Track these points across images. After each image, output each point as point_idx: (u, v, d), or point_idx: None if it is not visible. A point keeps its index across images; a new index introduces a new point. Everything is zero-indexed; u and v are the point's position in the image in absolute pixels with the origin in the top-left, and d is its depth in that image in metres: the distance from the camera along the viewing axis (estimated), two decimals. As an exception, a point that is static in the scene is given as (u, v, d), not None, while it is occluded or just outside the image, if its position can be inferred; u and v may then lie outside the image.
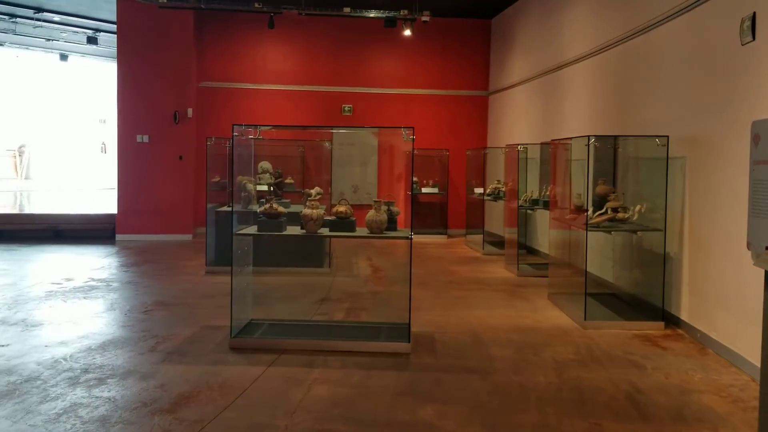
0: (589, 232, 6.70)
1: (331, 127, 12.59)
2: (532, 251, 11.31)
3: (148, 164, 12.29)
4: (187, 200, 12.41)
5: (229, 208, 9.28)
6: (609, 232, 6.95)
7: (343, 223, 5.71)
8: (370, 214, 5.62)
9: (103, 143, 28.01)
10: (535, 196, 9.93)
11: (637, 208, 6.73)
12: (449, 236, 13.73)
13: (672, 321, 6.56)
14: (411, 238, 5.54)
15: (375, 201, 5.63)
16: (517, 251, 9.72)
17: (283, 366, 5.12)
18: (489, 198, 11.83)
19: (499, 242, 12.22)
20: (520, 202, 9.67)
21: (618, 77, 8.13)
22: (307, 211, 5.55)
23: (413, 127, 5.51)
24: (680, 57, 6.60)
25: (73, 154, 28.21)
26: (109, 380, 4.73)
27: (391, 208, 5.84)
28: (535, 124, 11.40)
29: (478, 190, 12.49)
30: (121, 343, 5.65)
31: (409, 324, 5.65)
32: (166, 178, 12.34)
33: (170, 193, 12.34)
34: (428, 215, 14.00)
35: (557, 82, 10.36)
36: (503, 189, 11.69)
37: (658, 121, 7.00)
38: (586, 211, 7.28)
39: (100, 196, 18.90)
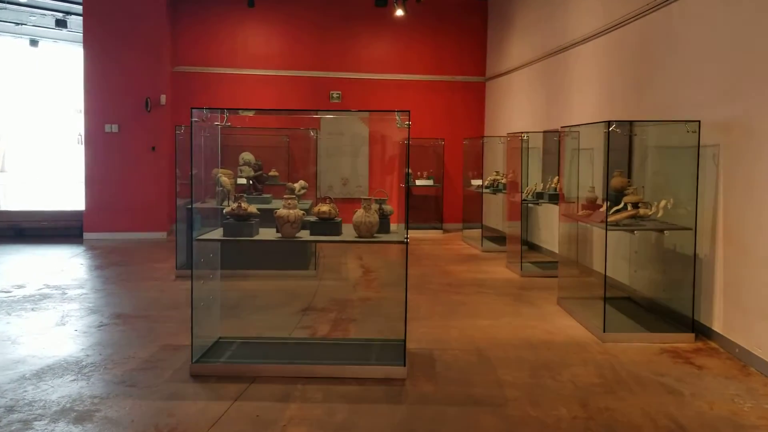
0: (608, 231, 5.84)
1: (315, 111, 11.64)
2: (534, 247, 10.48)
3: (117, 156, 11.32)
4: (160, 195, 11.47)
5: (201, 205, 8.40)
6: (632, 231, 6.09)
7: (326, 225, 4.83)
8: (358, 214, 4.75)
9: (80, 134, 26.92)
10: (539, 188, 9.07)
11: (662, 203, 5.88)
12: (445, 231, 12.86)
13: (702, 332, 5.74)
14: (407, 242, 4.68)
15: (364, 199, 4.76)
16: (521, 249, 8.86)
17: (253, 400, 4.25)
18: (488, 191, 10.97)
19: (497, 238, 11.39)
20: (524, 195, 8.80)
21: (633, 58, 7.26)
22: (282, 211, 4.67)
23: (409, 111, 4.63)
24: (711, 30, 5.74)
25: (51, 145, 27.14)
26: (35, 423, 3.84)
27: (383, 206, 4.97)
28: (537, 111, 10.53)
29: (476, 182, 11.64)
30: (63, 370, 4.76)
31: (405, 343, 4.78)
32: (137, 171, 11.38)
33: (142, 187, 11.39)
34: (422, 209, 13.11)
35: (561, 65, 9.49)
36: (502, 181, 10.85)
37: (682, 104, 6.15)
38: (603, 206, 6.45)
39: (75, 191, 17.90)
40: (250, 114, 7.16)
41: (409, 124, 4.67)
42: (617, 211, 6.03)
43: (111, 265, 9.02)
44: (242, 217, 4.78)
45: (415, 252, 10.11)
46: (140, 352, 5.18)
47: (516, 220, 9.38)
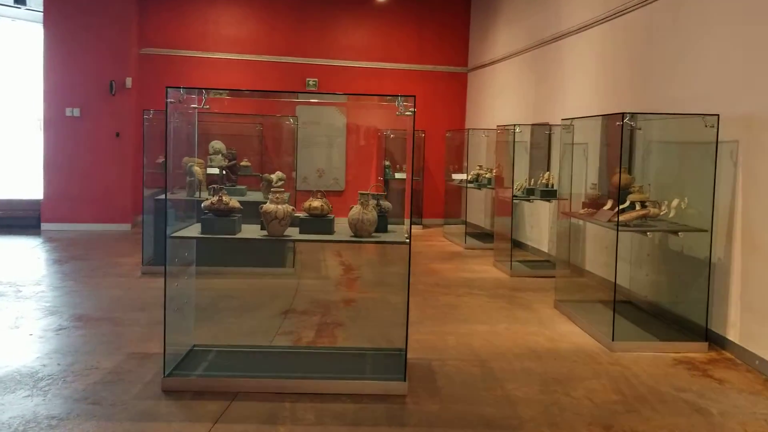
0: (616, 232, 5.41)
1: (297, 93, 10.96)
2: (519, 245, 10.07)
3: (79, 142, 10.59)
4: (125, 184, 10.77)
5: (174, 195, 7.78)
6: (645, 233, 5.68)
7: (318, 223, 4.30)
8: (355, 211, 4.23)
9: (39, 118, 25.79)
10: (529, 184, 8.63)
11: (674, 203, 5.48)
12: (424, 226, 12.39)
13: (715, 341, 5.36)
14: (409, 243, 4.19)
15: (362, 194, 4.24)
16: (511, 248, 8.43)
17: (235, 422, 3.71)
18: (471, 185, 10.53)
19: (480, 234, 10.98)
20: (515, 191, 8.37)
21: (637, 48, 6.84)
22: (270, 206, 4.12)
23: (414, 97, 4.13)
24: (726, 16, 5.34)
25: (7, 130, 25.98)
26: (-21, 454, 3.27)
27: (381, 202, 4.46)
28: (524, 103, 10.10)
29: (458, 176, 11.19)
30: (15, 384, 4.16)
31: (405, 355, 4.28)
32: (100, 158, 10.66)
33: (106, 175, 10.67)
34: (402, 203, 12.59)
35: (553, 56, 9.06)
36: (486, 175, 10.42)
37: (693, 97, 5.75)
38: (608, 204, 6.03)
39: (32, 179, 16.99)
40: (232, 96, 6.57)
41: (413, 111, 4.18)
42: (623, 210, 5.61)
43: (71, 259, 8.34)
44: (223, 212, 4.23)
45: (396, 248, 9.60)
46: (104, 362, 4.60)
47: (504, 216, 8.95)
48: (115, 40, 10.75)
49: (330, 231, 4.34)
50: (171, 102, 4.03)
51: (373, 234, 4.29)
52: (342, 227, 4.38)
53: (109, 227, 10.63)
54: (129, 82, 10.75)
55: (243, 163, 9.56)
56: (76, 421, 3.64)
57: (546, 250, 9.06)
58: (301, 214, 4.34)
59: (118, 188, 10.72)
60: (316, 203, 4.31)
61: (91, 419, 3.68)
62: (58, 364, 4.53)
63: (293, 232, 4.30)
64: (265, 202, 4.20)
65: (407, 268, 4.22)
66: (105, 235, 10.17)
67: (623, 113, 5.24)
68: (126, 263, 8.07)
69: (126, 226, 10.75)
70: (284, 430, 3.62)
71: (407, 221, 4.67)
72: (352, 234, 4.28)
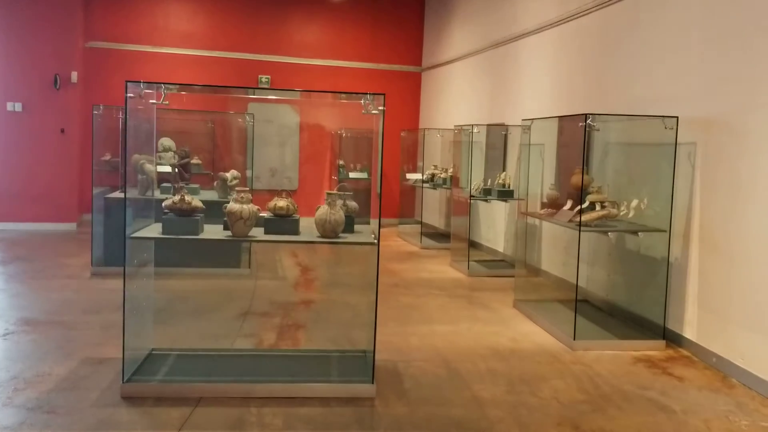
0: (578, 232, 5.46)
1: (266, 90, 10.68)
2: (474, 245, 10.10)
3: (21, 138, 10.16)
4: (70, 182, 10.40)
5: (121, 195, 7.53)
6: (606, 233, 5.75)
7: (283, 223, 4.20)
8: (322, 211, 4.14)
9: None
10: (485, 184, 8.66)
11: (633, 203, 5.56)
12: (387, 226, 12.31)
13: (672, 339, 5.46)
14: (378, 243, 4.13)
15: (329, 194, 4.16)
16: (468, 248, 8.45)
17: (200, 429, 3.58)
18: (427, 185, 10.53)
19: (435, 234, 11.01)
20: (472, 191, 8.39)
21: (593, 50, 6.93)
22: (234, 206, 4.00)
23: (384, 95, 4.07)
24: (684, 20, 5.45)
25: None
26: (-73, 469, 3.07)
27: (348, 202, 4.39)
28: (479, 103, 10.15)
29: (412, 176, 11.17)
30: (-39, 393, 3.94)
31: (374, 358, 4.21)
32: (44, 155, 10.25)
33: (49, 173, 10.27)
34: (359, 203, 12.51)
35: (509, 57, 9.12)
36: (441, 175, 10.44)
37: (652, 99, 5.85)
38: (567, 204, 6.09)
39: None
40: (198, 93, 6.38)
41: (382, 110, 4.13)
42: (584, 210, 5.67)
43: (15, 259, 7.99)
44: (185, 212, 4.09)
45: (351, 249, 9.52)
46: (57, 368, 4.39)
47: (461, 215, 8.98)
48: (59, 33, 10.36)
49: (296, 231, 4.24)
50: (131, 97, 3.86)
51: (340, 235, 4.21)
52: (305, 227, 4.29)
53: (53, 226, 10.24)
54: (75, 76, 10.38)
55: (194, 161, 9.34)
56: (31, 432, 3.46)
57: (502, 250, 9.12)
58: (266, 214, 4.23)
59: (63, 186, 10.34)
60: (282, 203, 4.20)
61: (46, 429, 3.50)
62: (7, 371, 4.31)
63: (257, 233, 4.19)
64: (222, 202, 4.09)
65: (376, 269, 4.15)
66: (49, 235, 9.79)
67: (586, 114, 5.29)
68: (74, 264, 7.77)
69: (71, 226, 10.37)
70: (252, 436, 3.52)
71: (372, 221, 4.60)
72: (319, 234, 4.19)
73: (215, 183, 7.89)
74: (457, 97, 11.16)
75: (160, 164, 8.37)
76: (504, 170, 8.79)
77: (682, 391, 4.49)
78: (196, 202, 4.13)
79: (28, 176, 10.22)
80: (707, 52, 5.21)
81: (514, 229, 8.20)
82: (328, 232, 4.13)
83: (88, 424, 3.57)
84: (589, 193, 5.77)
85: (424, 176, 10.70)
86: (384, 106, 4.10)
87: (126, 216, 3.93)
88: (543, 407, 4.10)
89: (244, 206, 3.99)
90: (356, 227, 4.45)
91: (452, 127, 9.87)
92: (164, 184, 7.58)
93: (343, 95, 5.19)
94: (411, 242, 10.53)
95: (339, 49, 12.56)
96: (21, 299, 6.18)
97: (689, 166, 5.35)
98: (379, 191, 4.30)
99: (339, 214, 4.16)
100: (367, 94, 4.17)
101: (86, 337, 5.09)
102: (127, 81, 3.85)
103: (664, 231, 5.40)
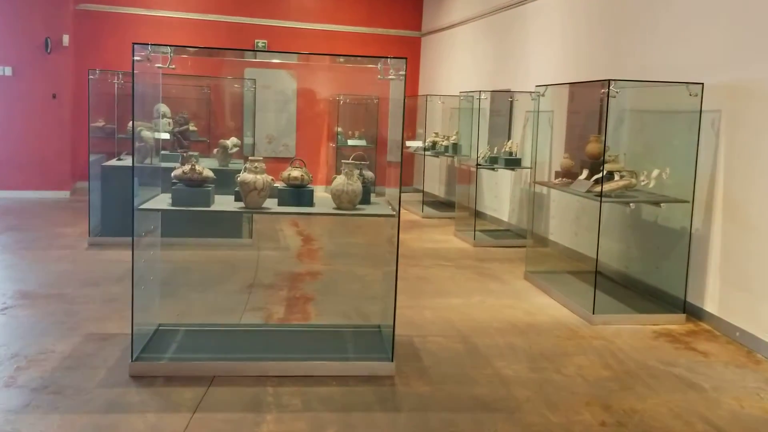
0: (599, 203, 5.27)
1: (259, 55, 10.39)
2: (478, 214, 9.92)
3: (11, 103, 9.83)
4: (63, 149, 10.09)
5: (121, 162, 7.27)
6: (627, 203, 5.57)
7: (298, 194, 3.99)
8: (339, 182, 3.93)
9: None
10: (489, 151, 8.44)
11: (654, 173, 5.37)
12: (378, 194, 12.08)
13: (692, 312, 5.32)
14: (398, 216, 3.94)
15: (346, 163, 3.94)
16: (475, 218, 8.27)
17: (217, 410, 3.40)
18: (429, 153, 10.30)
19: (436, 203, 10.82)
20: (479, 159, 8.17)
21: (610, 14, 6.67)
22: (247, 176, 3.77)
23: (405, 59, 3.84)
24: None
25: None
26: (-71, 456, 2.88)
27: (365, 172, 4.18)
28: (483, 69, 9.88)
29: (412, 144, 10.93)
30: (-41, 372, 3.74)
31: (393, 334, 4.03)
32: (35, 120, 9.93)
33: (41, 139, 9.95)
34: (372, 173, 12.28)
35: (516, 21, 8.84)
36: (443, 143, 10.21)
37: (672, 65, 5.62)
38: (583, 174, 5.90)
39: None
40: (210, 56, 6.12)
41: (403, 75, 3.90)
42: (597, 180, 5.48)
43: (7, 229, 7.74)
44: (196, 183, 3.87)
45: (355, 218, 9.33)
46: (60, 345, 4.19)
47: (465, 184, 8.78)
48: (49, -6, 9.97)
49: (310, 203, 4.03)
50: (137, 60, 3.60)
51: (357, 206, 4.01)
52: (318, 198, 4.09)
53: (45, 194, 9.96)
54: (66, 39, 10.00)
55: (191, 128, 9.07)
56: (37, 414, 3.27)
57: (506, 220, 8.95)
58: (280, 185, 4.02)
59: (56, 153, 10.04)
60: (296, 173, 3.99)
61: (53, 411, 3.31)
62: (8, 348, 4.11)
63: (271, 204, 3.98)
64: (224, 170, 3.86)
65: (395, 242, 3.97)
66: (42, 203, 9.52)
67: (608, 80, 5.06)
68: (69, 233, 7.54)
69: (64, 194, 10.10)
70: (271, 418, 3.34)
71: (387, 191, 4.41)
72: (335, 206, 3.98)
73: (215, 150, 7.64)
74: (459, 63, 10.87)
75: (158, 131, 8.11)
76: (510, 138, 8.58)
77: (709, 367, 4.35)
78: (207, 172, 3.91)
79: (19, 143, 9.91)
80: (736, 16, 4.98)
81: (521, 198, 8.02)
82: (345, 204, 3.93)
83: (98, 406, 3.38)
84: (606, 162, 5.58)
85: (426, 144, 10.46)
86: (405, 70, 3.85)
87: (134, 186, 3.70)
88: (569, 385, 3.95)
89: (258, 176, 3.77)
90: (377, 198, 4.26)
91: (457, 94, 9.60)
92: (163, 152, 7.32)
93: (360, 59, 4.88)
94: (412, 211, 10.33)
95: (335, 14, 12.21)
96: (16, 271, 5.96)
97: (713, 135, 5.16)
98: (400, 160, 4.02)
99: (357, 185, 3.95)
100: (387, 58, 3.92)
101: (88, 311, 4.89)
102: (134, 43, 3.59)
103: (687, 202, 5.22)
